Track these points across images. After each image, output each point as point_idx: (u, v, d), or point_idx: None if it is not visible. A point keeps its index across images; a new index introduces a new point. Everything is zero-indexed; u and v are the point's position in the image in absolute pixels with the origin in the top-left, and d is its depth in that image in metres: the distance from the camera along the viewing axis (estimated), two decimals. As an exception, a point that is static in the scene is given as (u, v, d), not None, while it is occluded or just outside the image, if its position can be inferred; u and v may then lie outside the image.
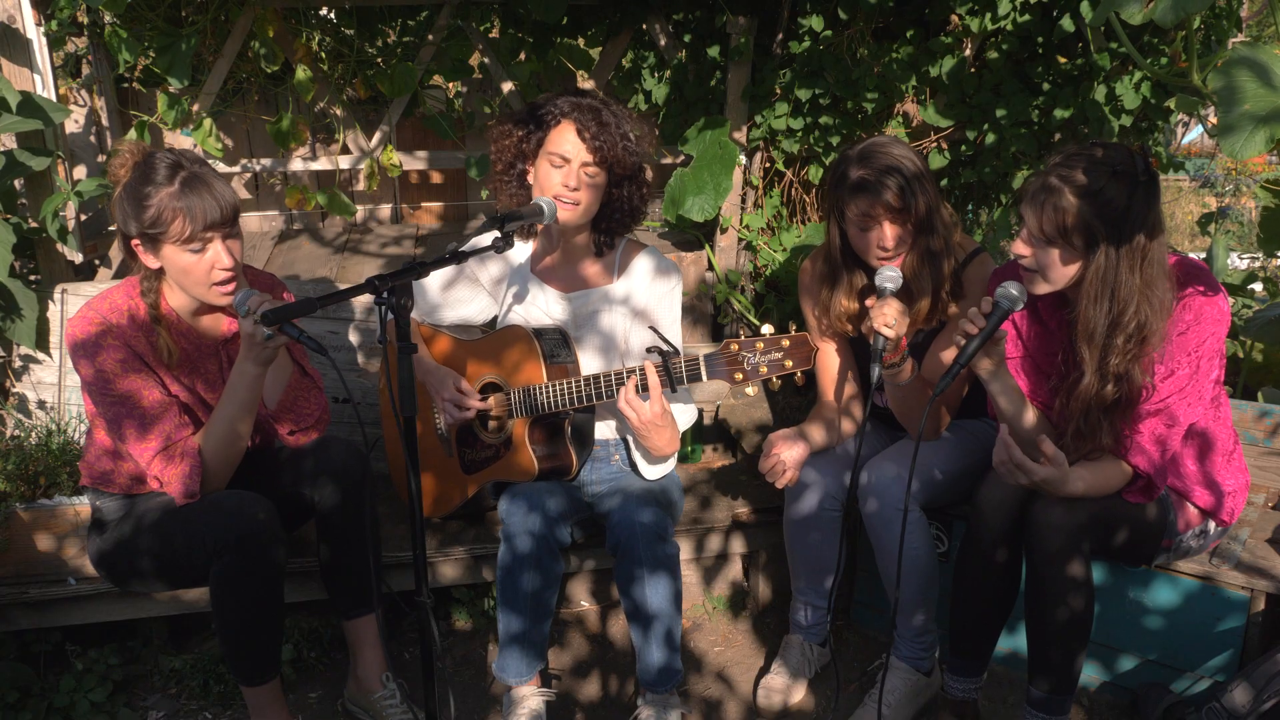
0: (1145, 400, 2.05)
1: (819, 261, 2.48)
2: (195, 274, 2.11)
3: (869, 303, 2.15)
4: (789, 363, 2.08)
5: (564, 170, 2.32)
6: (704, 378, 2.16)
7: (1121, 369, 2.02)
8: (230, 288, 2.14)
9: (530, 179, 2.42)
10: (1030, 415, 2.15)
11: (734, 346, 2.11)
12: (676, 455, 2.50)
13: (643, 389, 2.23)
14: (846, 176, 2.25)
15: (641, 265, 2.49)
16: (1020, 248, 2.03)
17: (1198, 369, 2.01)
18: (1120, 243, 1.93)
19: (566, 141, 2.32)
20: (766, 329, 2.09)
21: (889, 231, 2.24)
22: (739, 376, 2.11)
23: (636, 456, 2.47)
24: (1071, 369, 2.11)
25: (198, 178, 2.07)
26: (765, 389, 3.23)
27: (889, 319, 2.10)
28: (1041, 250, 2.00)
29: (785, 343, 2.08)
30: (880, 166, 2.21)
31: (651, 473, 2.48)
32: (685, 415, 2.48)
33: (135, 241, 2.11)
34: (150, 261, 2.13)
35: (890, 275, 2.18)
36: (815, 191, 3.62)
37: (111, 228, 3.57)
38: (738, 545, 2.83)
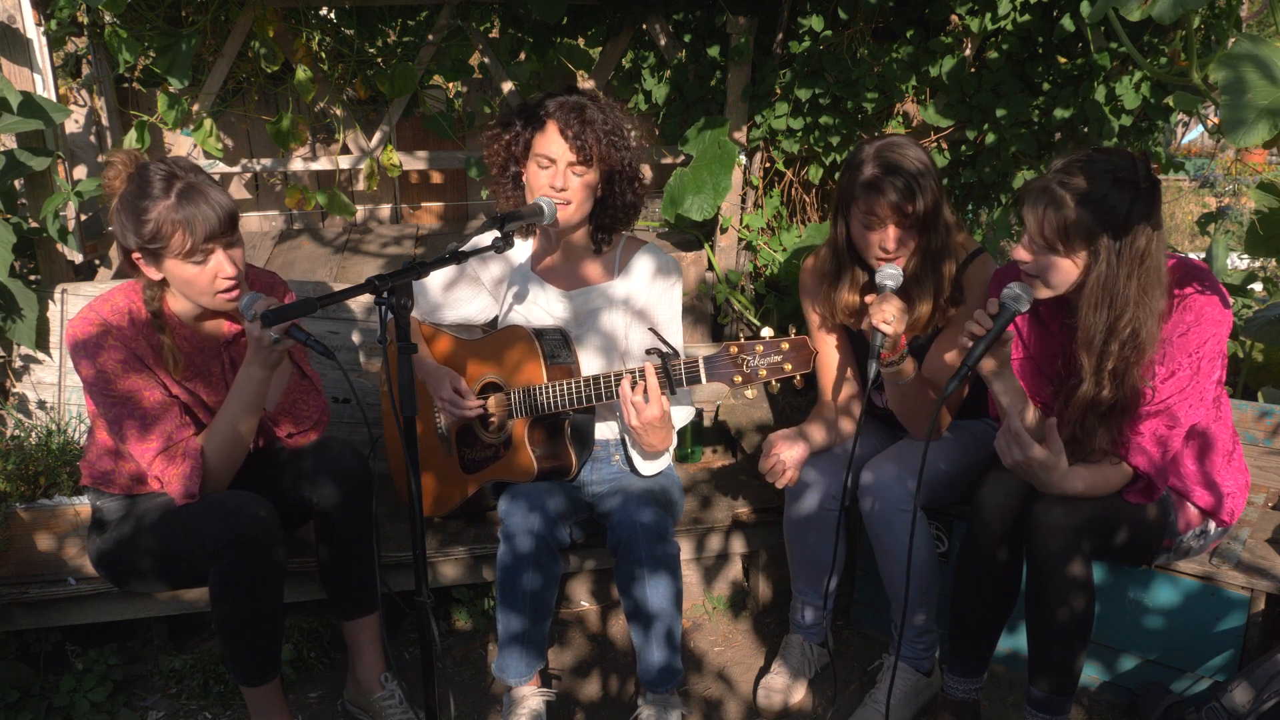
0: (1146, 404, 2.06)
1: (822, 256, 2.48)
2: (199, 284, 2.10)
3: (868, 300, 2.15)
4: (788, 365, 2.08)
5: (551, 171, 2.32)
6: (703, 380, 2.15)
7: (1119, 374, 2.02)
8: (234, 295, 2.13)
9: (525, 180, 2.42)
10: (1031, 414, 2.15)
11: (733, 349, 2.10)
12: (672, 451, 2.50)
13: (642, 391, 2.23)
14: (860, 172, 2.23)
15: (642, 263, 2.49)
16: (1021, 253, 2.03)
17: (1198, 370, 2.01)
18: (1121, 249, 1.93)
19: (552, 143, 2.32)
20: (766, 331, 2.09)
21: (893, 233, 2.24)
22: (738, 379, 2.10)
23: (632, 453, 2.47)
24: (1071, 373, 2.12)
25: (193, 188, 2.05)
26: (765, 390, 3.24)
27: (887, 316, 2.10)
28: (1043, 255, 2.00)
29: (785, 345, 2.07)
30: (895, 168, 2.20)
31: (648, 468, 2.48)
32: (681, 414, 2.48)
33: (136, 255, 2.11)
34: (152, 274, 2.12)
35: (891, 273, 2.18)
36: (815, 191, 3.63)
37: (111, 228, 3.57)
38: (738, 545, 2.83)
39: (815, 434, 2.47)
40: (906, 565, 2.09)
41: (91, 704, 2.46)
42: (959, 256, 2.37)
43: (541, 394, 2.33)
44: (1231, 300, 2.13)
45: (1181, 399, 2.03)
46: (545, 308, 2.51)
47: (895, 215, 2.21)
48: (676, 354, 2.20)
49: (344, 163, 3.66)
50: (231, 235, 2.11)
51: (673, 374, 2.18)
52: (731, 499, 2.85)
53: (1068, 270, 1.99)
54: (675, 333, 2.52)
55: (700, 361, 2.15)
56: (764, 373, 2.09)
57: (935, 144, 3.37)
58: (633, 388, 2.22)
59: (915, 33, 3.26)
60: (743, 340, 2.10)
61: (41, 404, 3.08)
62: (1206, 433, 2.17)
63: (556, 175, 2.32)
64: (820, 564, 2.46)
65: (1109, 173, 1.92)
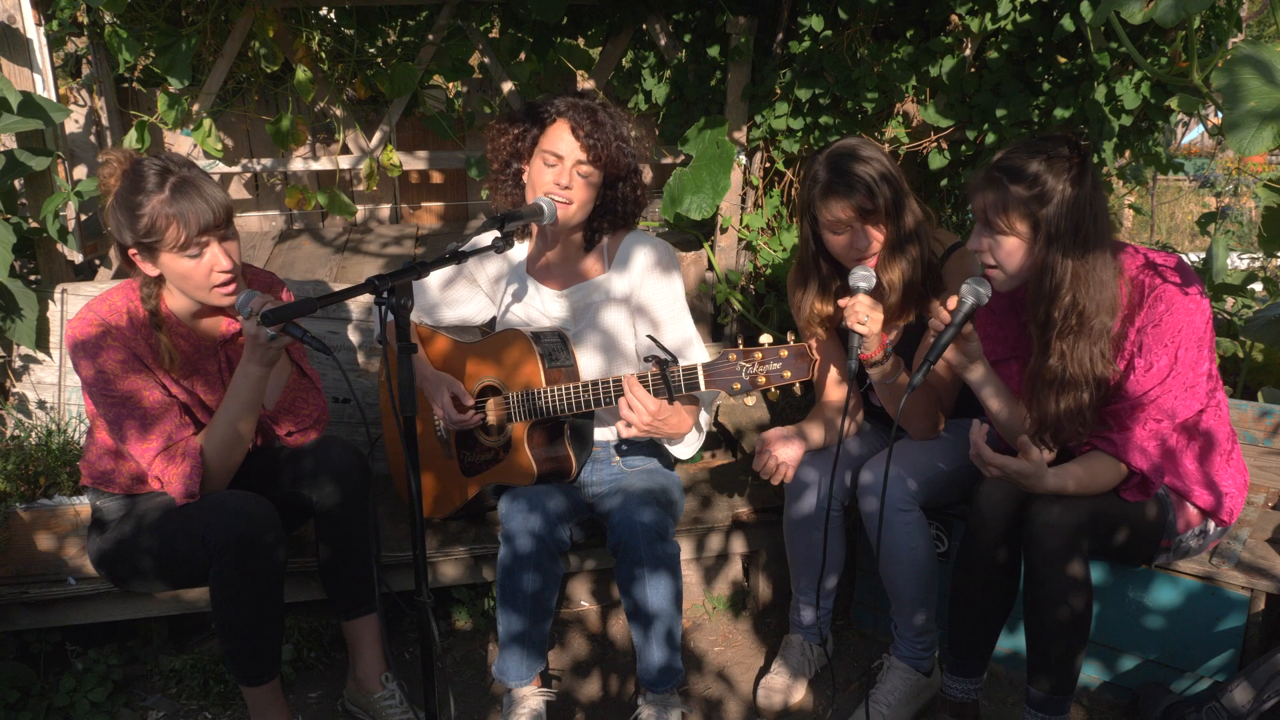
0: (1119, 394, 2.07)
1: (794, 265, 2.49)
2: (195, 278, 2.11)
3: (842, 302, 2.16)
4: (787, 373, 2.07)
5: (556, 169, 2.32)
6: (702, 387, 2.14)
7: (1068, 349, 2.05)
8: (231, 289, 2.14)
9: (526, 178, 2.41)
10: (1024, 416, 2.16)
11: (733, 356, 2.10)
12: (702, 429, 2.45)
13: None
14: (817, 180, 2.25)
15: (633, 252, 2.46)
16: (975, 243, 2.09)
17: (1176, 359, 2.04)
18: (1058, 225, 1.99)
19: (561, 140, 2.32)
20: (765, 338, 2.09)
21: (861, 234, 2.25)
22: (737, 386, 2.10)
23: (665, 444, 2.47)
24: None
25: (187, 181, 2.06)
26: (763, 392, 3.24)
27: (861, 316, 2.11)
28: (993, 242, 2.06)
29: (784, 353, 2.07)
30: (850, 170, 2.22)
31: (681, 453, 2.47)
32: (706, 396, 2.41)
33: (132, 251, 2.11)
34: (149, 269, 2.13)
35: (863, 274, 2.18)
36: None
37: (108, 227, 3.57)
38: (738, 545, 2.83)
39: (814, 433, 2.47)
40: (887, 556, 2.09)
41: (91, 704, 2.46)
42: (936, 250, 2.38)
43: (540, 398, 2.32)
44: (1228, 298, 2.15)
45: (1164, 390, 2.04)
46: (541, 308, 2.50)
47: (857, 216, 2.23)
48: (675, 360, 2.18)
49: (344, 163, 3.66)
50: (226, 228, 2.12)
51: (671, 381, 2.17)
52: (731, 499, 2.85)
53: (1016, 249, 2.05)
54: (678, 317, 2.48)
55: (699, 368, 2.14)
56: (763, 380, 2.08)
57: (935, 144, 3.36)
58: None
59: (915, 33, 3.26)
60: (742, 347, 2.10)
61: (41, 404, 3.08)
62: (1208, 432, 2.17)
63: (562, 173, 2.31)
64: (820, 564, 2.46)
65: (1040, 153, 2.00)
